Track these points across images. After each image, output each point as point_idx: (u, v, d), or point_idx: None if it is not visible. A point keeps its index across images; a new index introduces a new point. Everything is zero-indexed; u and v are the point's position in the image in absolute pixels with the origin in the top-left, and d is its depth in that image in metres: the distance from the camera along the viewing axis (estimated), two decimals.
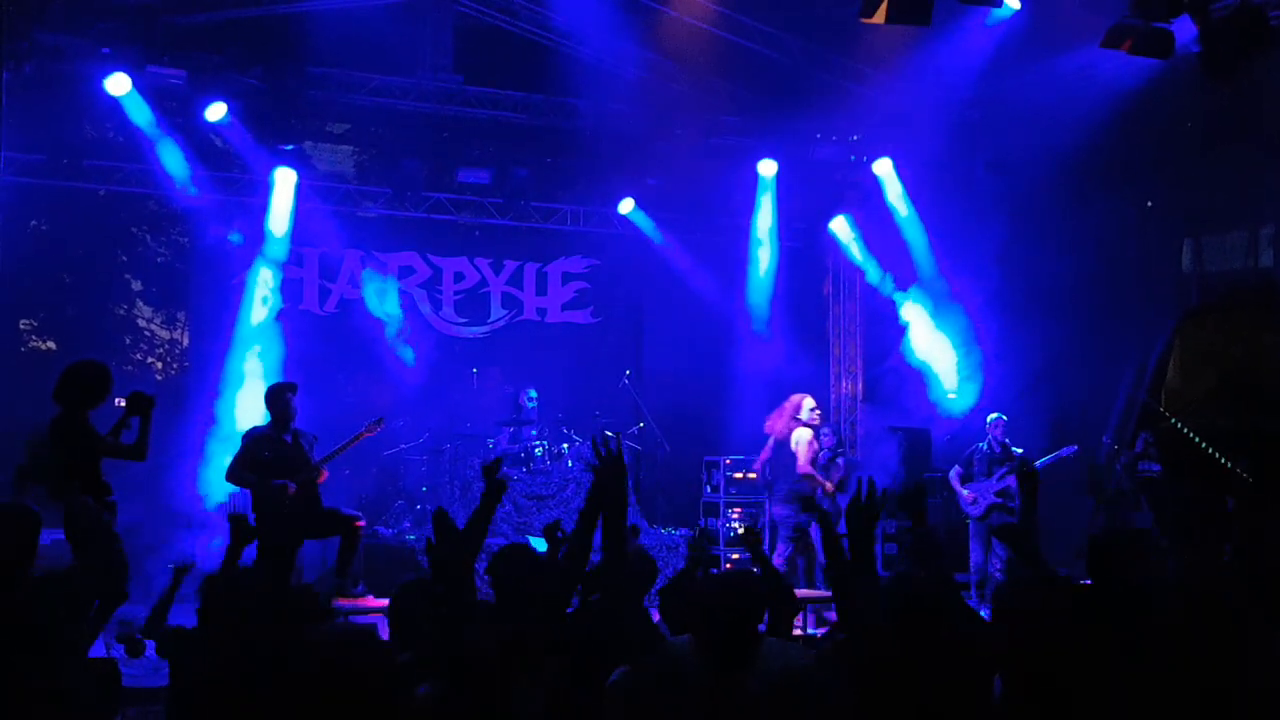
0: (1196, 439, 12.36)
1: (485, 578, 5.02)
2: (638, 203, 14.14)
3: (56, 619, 4.07)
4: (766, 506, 12.16)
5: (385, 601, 6.09)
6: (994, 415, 11.48)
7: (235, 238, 12.19)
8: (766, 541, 11.38)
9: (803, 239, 14.95)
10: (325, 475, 8.79)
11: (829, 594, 7.63)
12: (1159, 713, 4.02)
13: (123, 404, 7.35)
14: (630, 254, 14.63)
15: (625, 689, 3.83)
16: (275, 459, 8.49)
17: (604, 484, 4.23)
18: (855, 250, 14.50)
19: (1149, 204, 13.27)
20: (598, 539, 4.36)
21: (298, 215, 12.68)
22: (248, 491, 8.57)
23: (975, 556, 11.26)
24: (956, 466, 11.51)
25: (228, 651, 4.14)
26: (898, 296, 13.93)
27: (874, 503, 4.43)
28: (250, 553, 5.50)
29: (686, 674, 3.80)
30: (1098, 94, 11.24)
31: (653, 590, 5.82)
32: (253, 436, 8.68)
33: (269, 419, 8.73)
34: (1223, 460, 11.89)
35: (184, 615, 5.11)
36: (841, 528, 4.68)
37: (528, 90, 12.95)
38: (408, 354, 13.25)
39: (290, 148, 12.27)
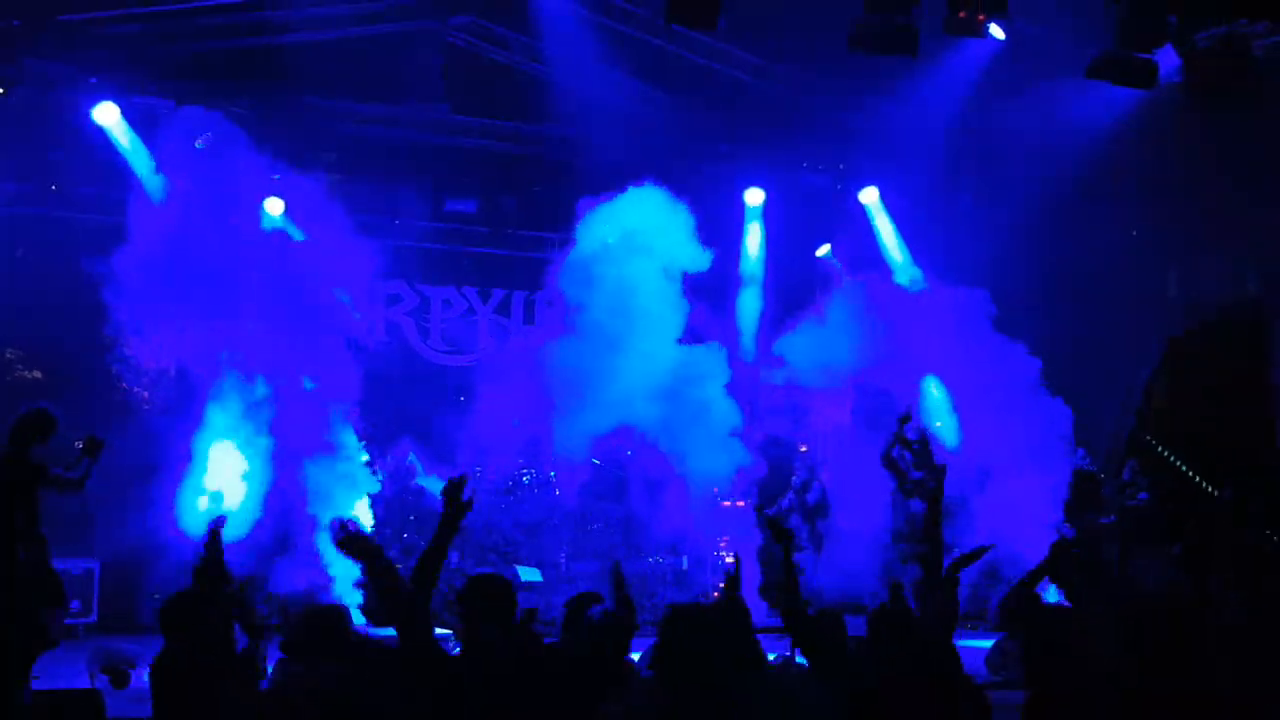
0: (1183, 466, 12.39)
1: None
2: None
3: None
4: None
5: None
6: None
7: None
8: None
9: (790, 267, 14.95)
10: None
11: None
12: None
13: (81, 445, 7.88)
14: None
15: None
16: None
17: None
18: (842, 277, 14.48)
19: (1134, 232, 13.33)
20: None
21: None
22: None
23: None
24: None
25: None
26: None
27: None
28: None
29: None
30: (1082, 123, 11.33)
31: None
32: None
33: None
34: (1207, 486, 11.92)
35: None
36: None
37: (516, 119, 12.97)
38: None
39: (277, 176, 12.25)
